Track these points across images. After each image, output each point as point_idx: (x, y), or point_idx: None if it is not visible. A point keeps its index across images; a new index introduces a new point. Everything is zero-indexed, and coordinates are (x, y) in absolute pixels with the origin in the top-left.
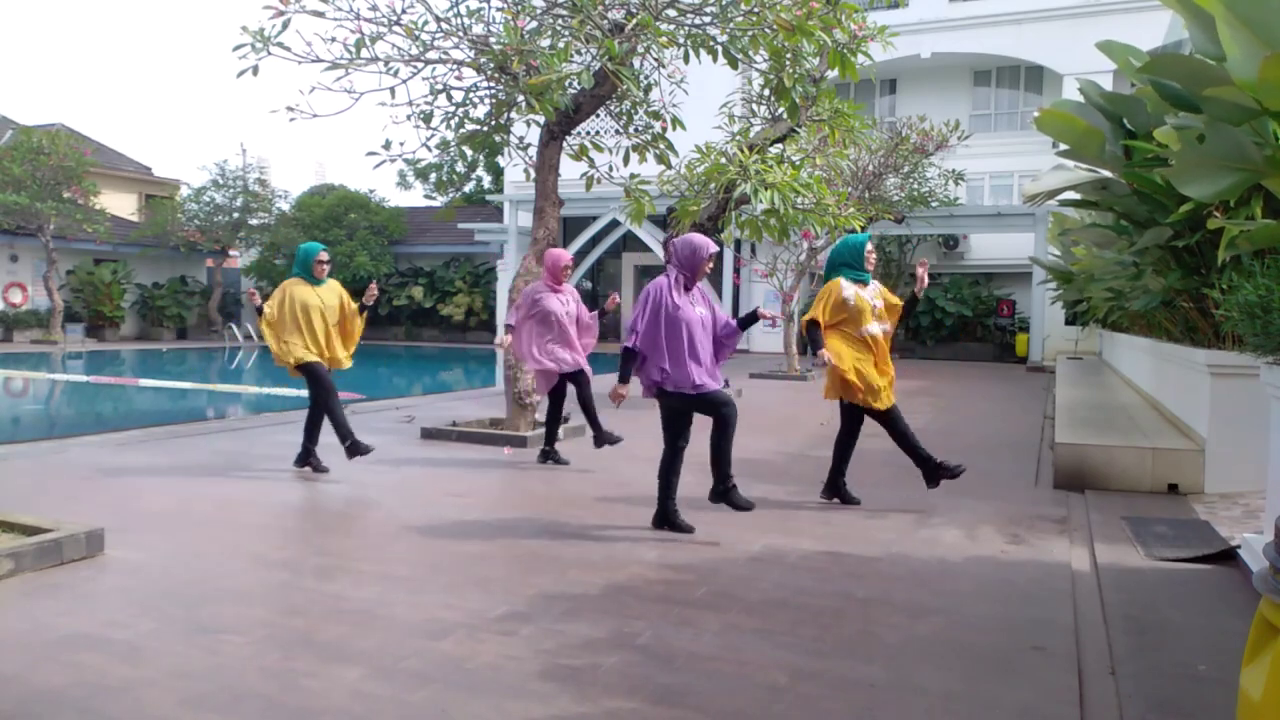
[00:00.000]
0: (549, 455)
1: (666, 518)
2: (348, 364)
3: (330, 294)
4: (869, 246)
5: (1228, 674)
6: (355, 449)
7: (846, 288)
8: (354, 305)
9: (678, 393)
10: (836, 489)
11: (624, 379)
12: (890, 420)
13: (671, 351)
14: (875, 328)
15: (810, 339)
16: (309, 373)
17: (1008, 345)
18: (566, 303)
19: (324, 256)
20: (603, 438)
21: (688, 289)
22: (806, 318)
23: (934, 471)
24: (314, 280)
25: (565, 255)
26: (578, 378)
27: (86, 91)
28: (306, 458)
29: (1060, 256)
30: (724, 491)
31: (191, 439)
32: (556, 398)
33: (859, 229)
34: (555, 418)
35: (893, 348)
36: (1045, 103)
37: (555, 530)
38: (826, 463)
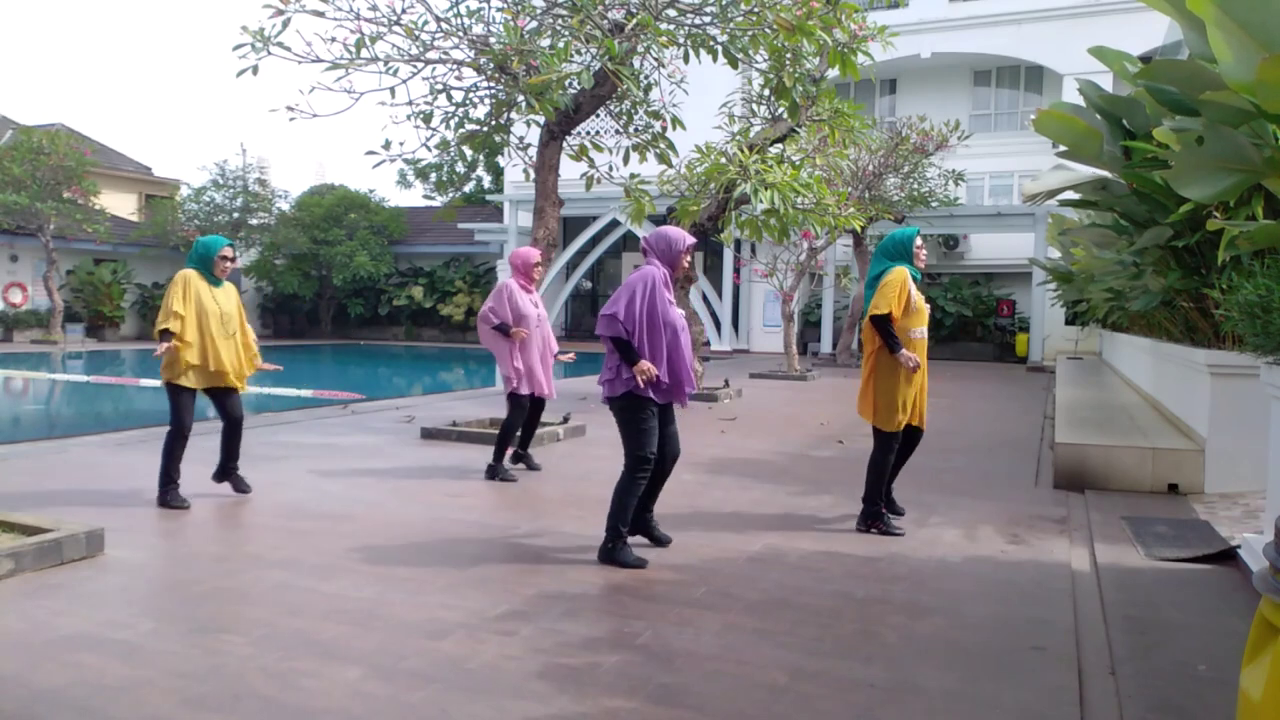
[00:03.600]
0: (519, 458)
1: (646, 529)
2: (243, 386)
3: (228, 299)
4: (918, 241)
5: (1228, 674)
6: (165, 498)
7: (911, 282)
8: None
9: (648, 401)
10: (887, 502)
11: (635, 360)
12: (895, 441)
13: (665, 356)
14: (925, 330)
15: (886, 337)
16: (176, 400)
17: (1008, 345)
18: (537, 304)
19: (228, 253)
20: (515, 463)
21: (669, 286)
22: (877, 312)
23: (878, 514)
24: (213, 280)
25: (535, 253)
26: (537, 401)
27: (86, 91)
28: (224, 474)
29: (1060, 257)
30: (646, 523)
31: (192, 439)
32: (524, 402)
33: (859, 229)
34: (529, 419)
35: None
36: (1045, 103)
37: (555, 530)
38: (827, 463)
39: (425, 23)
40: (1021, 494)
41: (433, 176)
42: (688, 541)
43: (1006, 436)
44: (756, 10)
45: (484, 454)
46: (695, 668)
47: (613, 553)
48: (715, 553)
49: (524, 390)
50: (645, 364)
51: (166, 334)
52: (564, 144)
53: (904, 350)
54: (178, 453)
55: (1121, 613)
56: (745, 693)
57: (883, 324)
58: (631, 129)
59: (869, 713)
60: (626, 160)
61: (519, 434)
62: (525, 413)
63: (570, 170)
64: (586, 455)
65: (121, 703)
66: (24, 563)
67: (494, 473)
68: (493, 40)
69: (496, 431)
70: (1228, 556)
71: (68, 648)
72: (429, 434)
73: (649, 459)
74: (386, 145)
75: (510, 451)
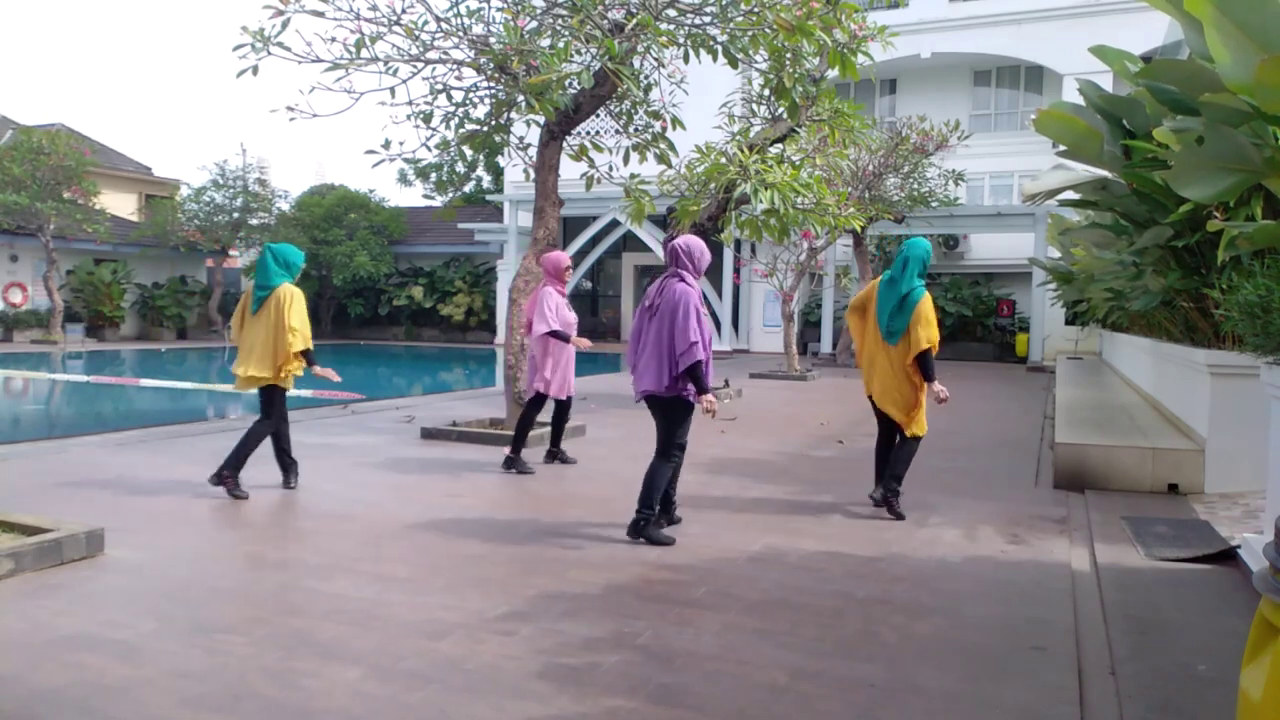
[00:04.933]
0: (555, 456)
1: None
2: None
3: None
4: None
5: (1228, 674)
6: (223, 479)
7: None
8: None
9: (688, 401)
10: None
11: (705, 389)
12: (912, 441)
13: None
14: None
15: (928, 370)
16: (282, 400)
17: (1008, 345)
18: (569, 307)
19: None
20: (550, 461)
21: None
22: (923, 348)
23: (888, 501)
24: None
25: (565, 256)
26: (565, 401)
27: (86, 91)
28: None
29: (1060, 257)
30: (666, 513)
31: (191, 439)
32: (542, 401)
33: (859, 229)
34: (557, 418)
35: None
36: (1045, 103)
37: (555, 530)
38: (827, 463)
39: (425, 23)
40: (1021, 494)
41: (433, 176)
42: (688, 541)
43: (1006, 436)
44: (756, 10)
45: (484, 454)
46: (695, 668)
47: (644, 530)
48: (715, 553)
49: (558, 395)
50: (710, 398)
51: (306, 353)
52: (564, 144)
53: (938, 386)
54: (258, 445)
55: (1121, 613)
56: (745, 693)
57: (928, 357)
58: (631, 129)
59: (869, 713)
60: (626, 160)
61: (550, 432)
62: (540, 409)
63: (570, 170)
64: (586, 455)
65: (121, 703)
66: (24, 563)
67: (511, 464)
68: (493, 40)
69: (496, 431)
70: (1228, 556)
71: (68, 648)
72: (429, 434)
73: (685, 445)
74: (386, 145)
75: (509, 454)
